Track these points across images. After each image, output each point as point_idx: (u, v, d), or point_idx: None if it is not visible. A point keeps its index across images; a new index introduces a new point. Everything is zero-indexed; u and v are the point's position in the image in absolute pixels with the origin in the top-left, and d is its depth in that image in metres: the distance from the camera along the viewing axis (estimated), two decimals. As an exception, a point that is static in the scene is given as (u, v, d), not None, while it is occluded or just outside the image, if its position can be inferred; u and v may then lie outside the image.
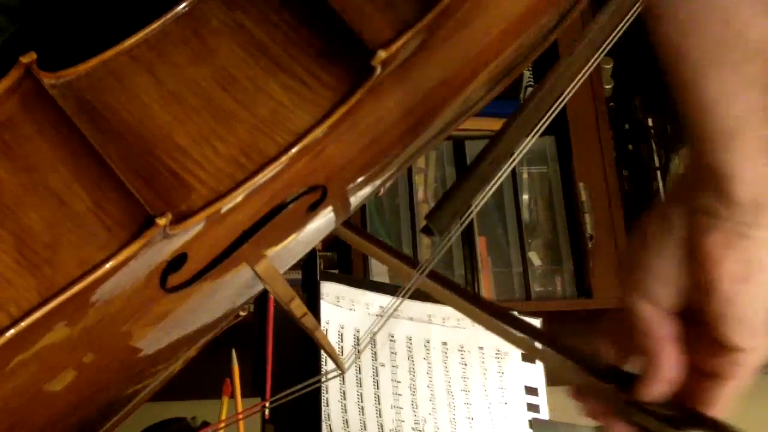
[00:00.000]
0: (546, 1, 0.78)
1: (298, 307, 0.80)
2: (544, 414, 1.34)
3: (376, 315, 1.31)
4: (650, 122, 2.24)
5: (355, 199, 0.83)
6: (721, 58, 0.51)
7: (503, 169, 0.86)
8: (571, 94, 0.88)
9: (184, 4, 0.71)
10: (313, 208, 0.75)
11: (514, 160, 0.88)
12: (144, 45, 0.71)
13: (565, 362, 0.70)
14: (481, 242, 2.15)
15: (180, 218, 0.65)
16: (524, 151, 0.88)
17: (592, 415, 0.67)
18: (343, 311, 1.32)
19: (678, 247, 0.59)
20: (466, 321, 1.20)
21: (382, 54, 0.66)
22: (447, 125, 0.85)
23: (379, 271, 1.97)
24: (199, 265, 0.70)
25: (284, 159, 0.67)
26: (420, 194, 2.22)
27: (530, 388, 1.36)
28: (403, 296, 0.83)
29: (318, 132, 0.67)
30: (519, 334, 0.74)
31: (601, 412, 0.66)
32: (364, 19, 0.68)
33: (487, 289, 2.08)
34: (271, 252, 0.76)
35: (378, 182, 0.85)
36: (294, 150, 0.66)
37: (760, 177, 0.55)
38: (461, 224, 0.82)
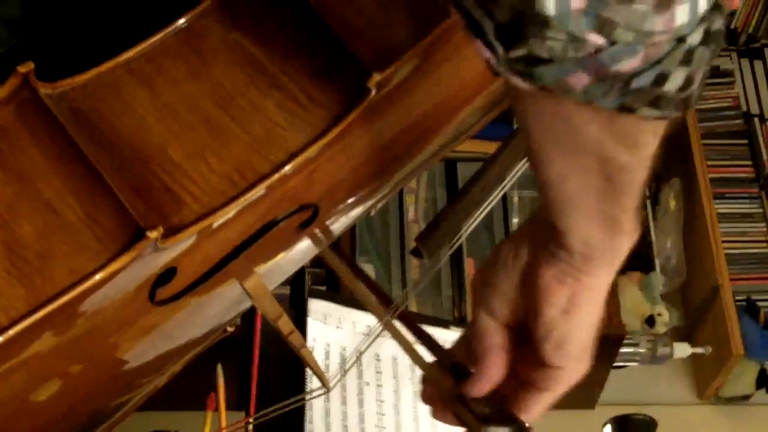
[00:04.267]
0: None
1: (285, 325, 0.81)
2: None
3: (363, 334, 1.31)
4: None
5: (346, 220, 0.84)
6: (562, 147, 0.58)
7: (494, 194, 0.87)
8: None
9: (183, 20, 0.72)
10: (304, 227, 0.75)
11: (505, 185, 0.89)
12: (142, 58, 0.71)
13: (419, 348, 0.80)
14: (469, 264, 2.15)
15: (171, 232, 0.66)
16: (516, 176, 0.88)
17: (425, 399, 0.78)
18: (330, 329, 1.32)
19: (520, 274, 0.68)
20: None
21: (377, 76, 0.67)
22: (441, 148, 0.85)
23: (367, 289, 1.97)
24: (188, 279, 0.71)
25: (277, 177, 0.67)
26: (411, 214, 2.23)
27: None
28: (377, 334, 0.85)
29: (311, 152, 0.67)
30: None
31: (433, 398, 0.77)
32: (361, 41, 0.69)
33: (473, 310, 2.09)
34: (261, 269, 0.77)
35: (370, 203, 0.85)
36: (287, 169, 0.67)
37: (587, 237, 0.64)
38: (450, 248, 0.83)
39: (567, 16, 0.48)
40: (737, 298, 2.32)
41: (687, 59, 0.52)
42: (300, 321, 1.28)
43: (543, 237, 0.66)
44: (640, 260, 2.36)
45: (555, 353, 0.68)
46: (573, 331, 0.68)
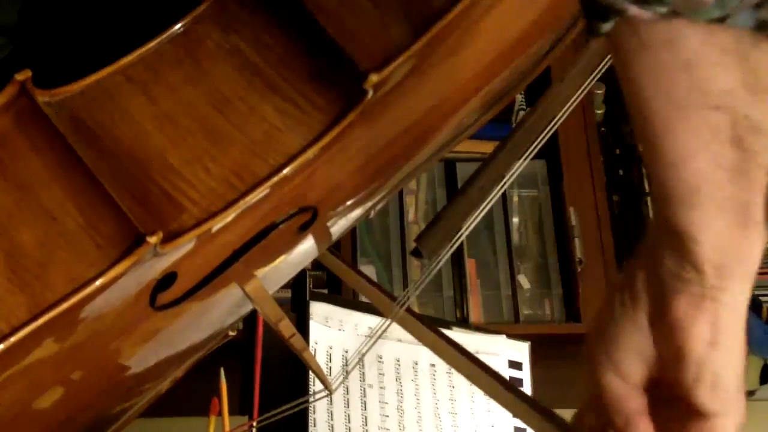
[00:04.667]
0: (536, 31, 0.79)
1: (286, 328, 0.81)
2: (531, 437, 1.34)
3: (365, 336, 1.32)
4: (641, 148, 2.26)
5: (345, 222, 0.84)
6: (685, 110, 0.50)
7: (493, 194, 0.87)
8: (562, 119, 0.89)
9: (179, 25, 0.72)
10: (304, 229, 0.75)
11: (504, 184, 0.89)
12: (139, 65, 0.71)
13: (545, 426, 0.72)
14: (470, 264, 2.15)
15: (171, 237, 0.66)
16: (515, 175, 0.89)
17: None
18: (332, 332, 1.32)
19: (645, 317, 0.57)
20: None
21: (374, 77, 0.67)
22: (440, 148, 0.85)
23: (368, 291, 1.97)
24: (188, 284, 0.71)
25: (276, 180, 0.67)
26: (411, 215, 2.23)
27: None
28: (386, 326, 0.84)
29: (309, 154, 0.68)
30: (505, 393, 0.75)
31: None
32: (357, 43, 0.69)
33: (475, 311, 2.08)
34: (261, 272, 0.77)
35: (369, 204, 0.85)
36: (286, 171, 0.67)
37: (718, 239, 0.53)
38: (450, 248, 0.83)
39: None
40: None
41: None
42: (302, 324, 1.28)
43: (662, 263, 0.56)
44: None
45: (711, 396, 0.57)
46: (726, 365, 0.57)
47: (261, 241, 0.73)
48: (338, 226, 0.83)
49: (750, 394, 2.36)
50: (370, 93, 0.67)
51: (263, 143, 0.68)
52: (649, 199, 2.37)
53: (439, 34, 0.69)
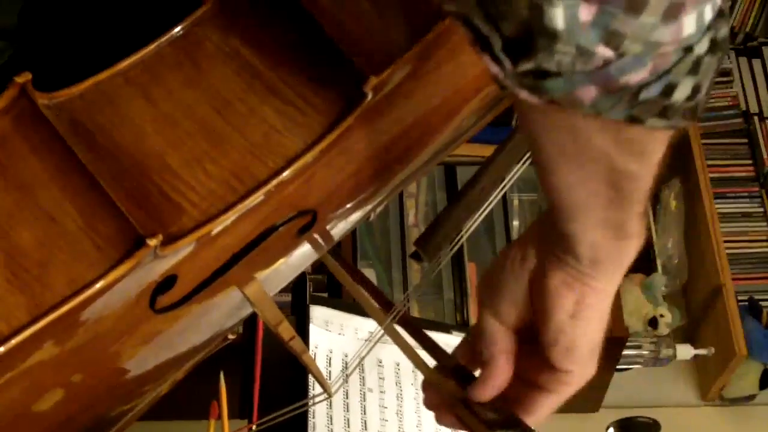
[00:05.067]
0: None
1: (286, 331, 0.81)
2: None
3: (365, 340, 1.31)
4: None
5: (345, 225, 0.84)
6: (569, 158, 0.59)
7: (492, 197, 0.87)
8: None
9: (179, 28, 0.72)
10: (303, 232, 0.75)
11: (503, 187, 0.89)
12: (138, 67, 0.71)
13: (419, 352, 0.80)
14: (470, 268, 2.16)
15: (171, 239, 0.66)
16: (514, 178, 0.89)
17: (428, 404, 0.77)
18: (332, 335, 1.32)
19: (528, 278, 0.68)
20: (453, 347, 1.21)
21: (373, 80, 0.67)
22: (438, 152, 0.85)
23: (368, 295, 1.96)
24: (188, 286, 0.71)
25: (275, 182, 0.67)
26: (411, 218, 2.23)
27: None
28: (382, 334, 0.85)
29: (309, 156, 0.68)
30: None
31: (436, 403, 0.76)
32: (357, 46, 0.69)
33: (475, 313, 2.08)
34: (261, 275, 0.77)
35: (369, 207, 0.85)
36: (285, 174, 0.67)
37: (594, 243, 0.63)
38: (450, 251, 0.83)
39: (576, 29, 0.48)
40: (740, 298, 2.31)
41: (694, 69, 0.52)
42: (302, 328, 1.28)
43: (550, 242, 0.66)
44: (641, 261, 2.36)
45: (564, 357, 0.68)
46: (581, 336, 0.68)
47: (260, 244, 0.72)
48: (338, 229, 0.83)
49: (750, 398, 2.35)
50: (370, 95, 0.67)
51: (263, 145, 0.68)
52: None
53: (439, 35, 0.69)
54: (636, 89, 0.51)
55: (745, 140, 2.59)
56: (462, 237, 0.82)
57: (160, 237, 0.65)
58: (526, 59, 0.50)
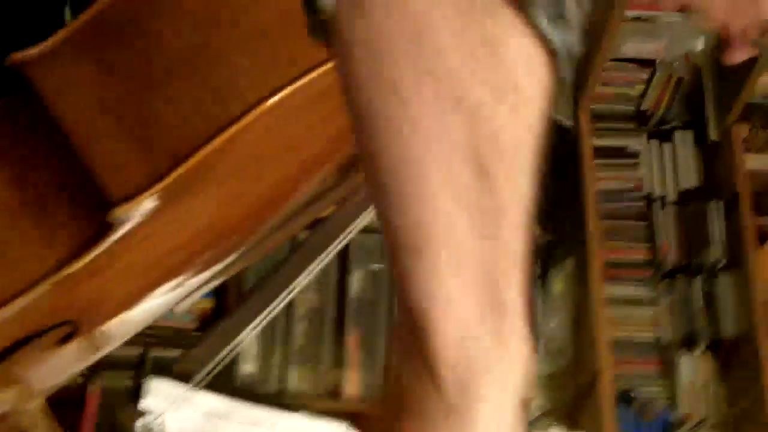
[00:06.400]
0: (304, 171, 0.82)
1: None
2: None
3: (205, 414, 1.32)
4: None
5: (127, 327, 0.86)
6: (414, 90, 0.42)
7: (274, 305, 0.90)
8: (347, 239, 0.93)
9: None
10: (65, 341, 0.78)
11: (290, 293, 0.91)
12: None
13: None
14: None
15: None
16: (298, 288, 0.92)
17: None
18: (171, 411, 1.33)
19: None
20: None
21: (117, 211, 0.70)
22: (233, 262, 0.89)
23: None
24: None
25: (19, 301, 0.71)
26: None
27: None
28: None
29: (46, 285, 0.71)
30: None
31: None
32: (109, 178, 0.71)
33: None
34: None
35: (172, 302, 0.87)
36: (18, 301, 0.70)
37: (464, 329, 0.46)
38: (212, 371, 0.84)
39: None
40: (622, 384, 2.29)
41: None
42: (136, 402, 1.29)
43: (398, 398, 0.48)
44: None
45: None
46: None
47: (20, 349, 0.75)
48: (119, 329, 0.85)
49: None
50: (116, 225, 0.71)
51: (11, 264, 0.71)
52: (540, 282, 2.40)
53: (192, 171, 0.72)
54: None
55: (644, 223, 2.61)
56: (234, 349, 0.85)
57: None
58: None
